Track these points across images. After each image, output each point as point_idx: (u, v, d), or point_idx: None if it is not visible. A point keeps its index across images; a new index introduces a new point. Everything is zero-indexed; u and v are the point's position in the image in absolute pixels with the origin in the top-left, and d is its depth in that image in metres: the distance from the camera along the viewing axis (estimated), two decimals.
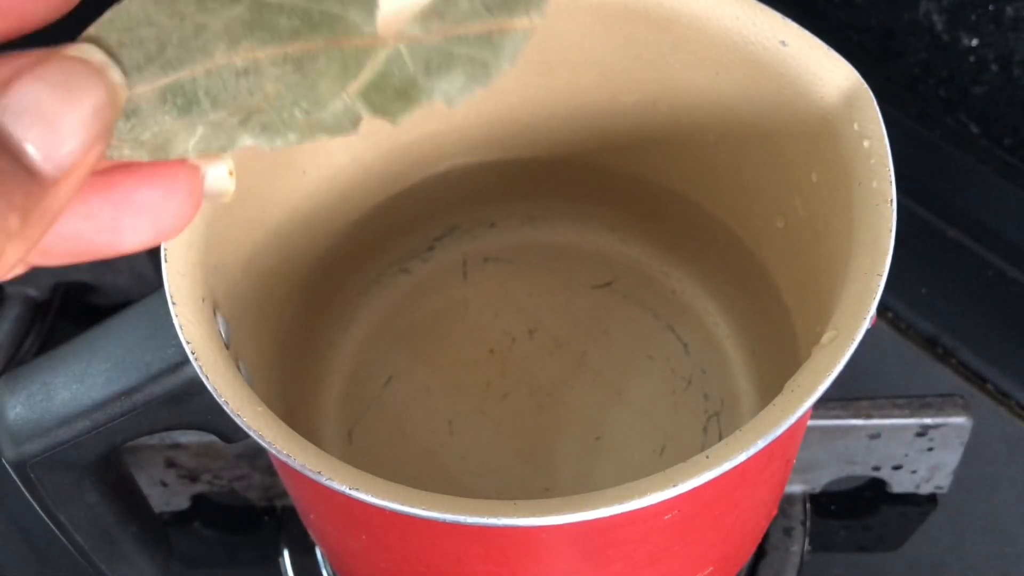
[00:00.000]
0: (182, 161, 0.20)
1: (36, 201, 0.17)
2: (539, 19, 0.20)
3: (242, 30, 0.19)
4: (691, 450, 0.30)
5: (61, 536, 0.37)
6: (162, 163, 0.20)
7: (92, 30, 0.19)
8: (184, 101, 0.19)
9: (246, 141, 0.20)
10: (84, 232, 0.19)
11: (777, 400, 0.28)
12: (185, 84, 0.19)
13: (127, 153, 0.20)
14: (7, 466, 0.34)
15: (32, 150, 0.17)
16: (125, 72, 0.19)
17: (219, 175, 0.21)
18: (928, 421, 0.43)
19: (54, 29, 0.19)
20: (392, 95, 0.20)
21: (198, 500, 0.48)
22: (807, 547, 0.46)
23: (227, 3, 0.19)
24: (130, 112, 0.19)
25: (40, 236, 0.17)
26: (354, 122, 0.20)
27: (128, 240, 0.19)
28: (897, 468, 0.46)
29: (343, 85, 0.20)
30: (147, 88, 0.19)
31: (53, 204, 0.17)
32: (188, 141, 0.20)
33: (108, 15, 0.19)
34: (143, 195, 0.19)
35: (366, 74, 0.20)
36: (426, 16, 0.20)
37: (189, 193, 0.20)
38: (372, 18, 0.19)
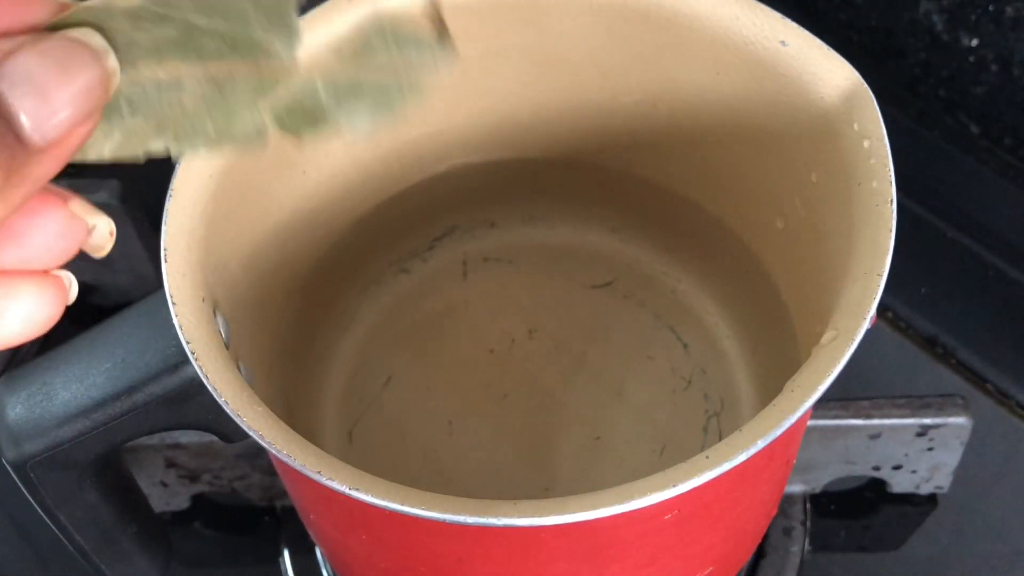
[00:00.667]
0: (63, 204, 0.21)
1: (20, 166, 0.18)
2: (444, 72, 0.22)
3: (170, 48, 0.21)
4: (691, 450, 0.30)
5: (61, 536, 0.37)
6: (43, 199, 0.21)
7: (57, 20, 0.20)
8: (105, 108, 0.20)
9: (158, 147, 0.21)
10: None
11: (777, 400, 0.28)
12: None
13: None
14: (7, 466, 0.34)
15: (24, 118, 0.18)
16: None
17: (101, 232, 0.22)
18: (928, 421, 0.43)
19: None
20: (302, 118, 0.22)
21: (198, 500, 0.48)
22: (807, 547, 0.46)
23: (158, 24, 0.20)
24: None
25: (17, 203, 0.18)
26: (263, 139, 0.22)
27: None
28: (897, 468, 0.46)
29: (256, 104, 0.22)
30: None
31: (35, 172, 0.18)
32: (104, 145, 0.21)
33: (66, 14, 0.20)
34: (17, 221, 0.20)
35: (279, 97, 0.22)
36: (341, 50, 0.22)
37: (61, 235, 0.21)
38: (292, 47, 0.21)
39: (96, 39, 0.19)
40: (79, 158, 0.21)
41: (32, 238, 0.20)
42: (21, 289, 0.21)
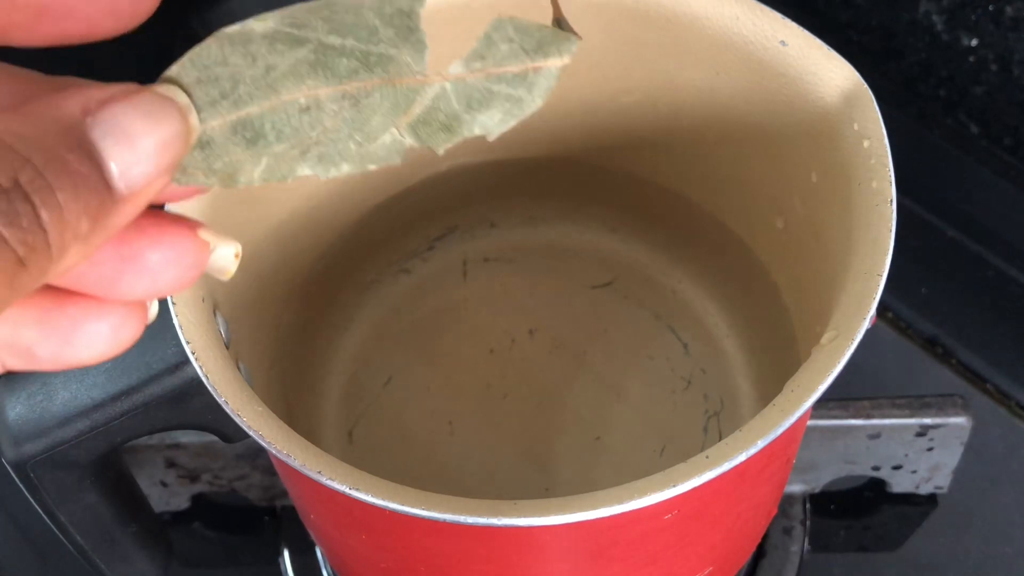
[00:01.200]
0: (193, 233, 0.21)
1: (105, 213, 0.19)
2: (569, 58, 0.22)
3: (306, 70, 0.21)
4: (691, 450, 0.30)
5: (61, 536, 0.37)
6: (175, 231, 0.21)
7: (174, 69, 0.21)
8: (252, 134, 0.21)
9: (304, 171, 0.22)
10: (86, 276, 0.20)
11: (777, 400, 0.28)
12: (254, 119, 0.21)
13: (200, 179, 0.21)
14: (7, 466, 0.34)
15: (113, 167, 0.19)
16: (199, 108, 0.21)
17: (226, 255, 0.23)
18: (928, 421, 0.43)
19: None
20: (437, 128, 0.23)
21: (198, 500, 0.48)
22: (807, 547, 0.46)
23: (294, 45, 0.21)
24: (204, 143, 0.21)
25: (95, 249, 0.19)
26: (401, 153, 0.23)
27: (122, 292, 0.20)
28: (897, 468, 0.46)
29: (394, 120, 0.22)
30: (220, 121, 0.21)
31: (115, 220, 0.19)
32: (254, 171, 0.22)
33: (189, 55, 0.21)
34: (151, 256, 0.21)
35: (415, 109, 0.22)
36: (470, 57, 0.22)
37: (192, 265, 0.21)
38: (423, 59, 0.22)
39: (181, 96, 0.20)
40: (229, 185, 0.21)
41: (164, 271, 0.21)
42: (111, 311, 0.21)
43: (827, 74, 0.33)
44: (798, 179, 0.36)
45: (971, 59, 0.54)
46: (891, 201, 0.31)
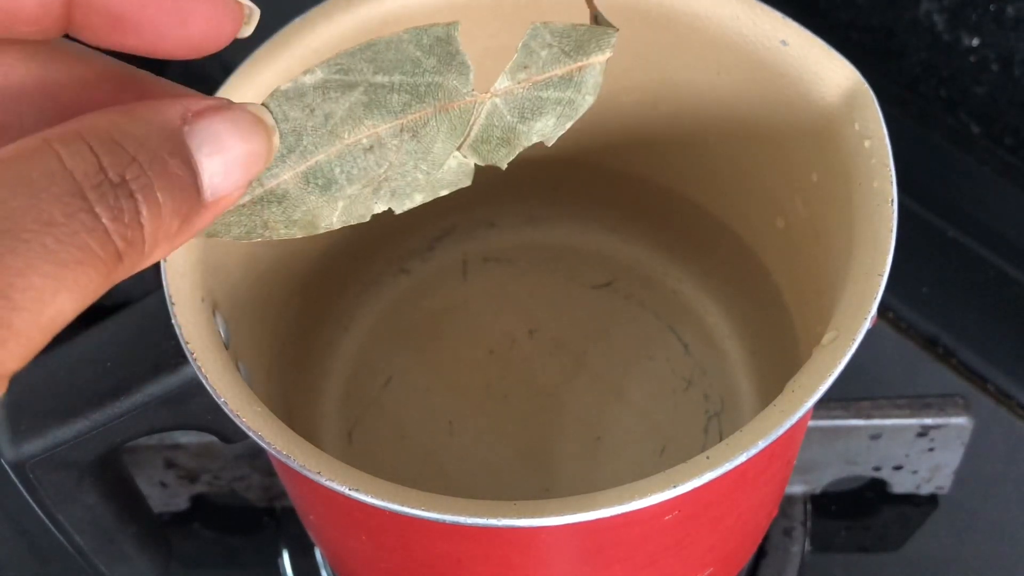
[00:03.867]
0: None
1: (193, 216, 0.20)
2: (610, 51, 0.23)
3: (362, 111, 0.22)
4: (691, 450, 0.30)
5: (61, 536, 0.37)
6: None
7: None
8: (324, 181, 0.22)
9: (380, 207, 0.23)
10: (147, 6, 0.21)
11: (777, 400, 0.28)
12: (322, 166, 0.22)
13: (282, 232, 0.22)
14: (7, 466, 0.34)
15: (205, 175, 0.20)
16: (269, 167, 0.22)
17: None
18: (929, 421, 0.43)
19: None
20: (496, 144, 0.24)
21: (198, 500, 0.48)
22: (807, 547, 0.46)
23: (346, 90, 0.22)
24: (280, 196, 0.22)
25: (173, 249, 0.20)
26: (469, 175, 0.24)
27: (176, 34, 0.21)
28: (898, 468, 0.46)
29: (454, 143, 0.23)
30: (292, 174, 0.22)
31: (197, 224, 0.20)
32: (332, 215, 0.23)
33: (266, 99, 0.22)
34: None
35: (472, 130, 0.23)
36: (514, 70, 0.23)
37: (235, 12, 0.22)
38: (468, 80, 0.23)
39: (269, 117, 0.21)
40: (311, 232, 0.23)
41: None
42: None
43: (828, 74, 0.33)
44: (799, 179, 0.36)
45: (972, 59, 0.54)
46: (892, 201, 0.30)
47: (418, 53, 0.22)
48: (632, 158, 0.42)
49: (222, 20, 0.21)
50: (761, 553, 0.45)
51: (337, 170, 0.22)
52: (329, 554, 0.41)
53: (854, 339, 0.28)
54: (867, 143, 0.32)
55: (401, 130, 0.22)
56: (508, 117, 0.23)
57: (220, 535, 0.48)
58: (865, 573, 0.46)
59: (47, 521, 0.36)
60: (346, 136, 0.22)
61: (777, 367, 0.39)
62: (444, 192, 0.23)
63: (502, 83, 0.23)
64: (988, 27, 0.53)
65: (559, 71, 0.23)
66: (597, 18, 0.24)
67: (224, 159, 0.20)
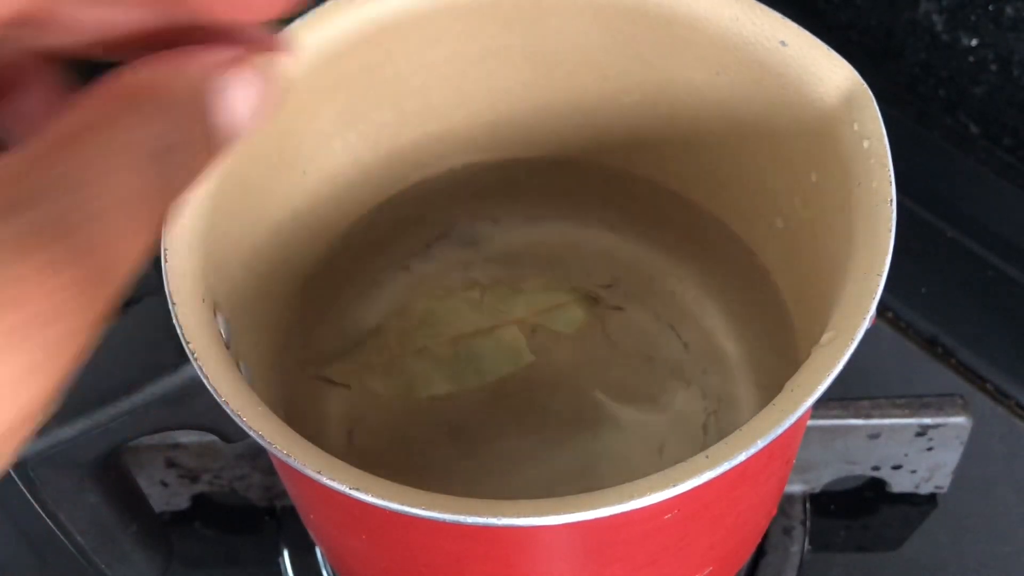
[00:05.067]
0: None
1: (210, 152, 0.21)
2: None
3: None
4: (691, 450, 0.30)
5: (61, 536, 0.37)
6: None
7: None
8: None
9: None
10: None
11: (777, 400, 0.28)
12: None
13: None
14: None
15: (228, 114, 0.21)
16: None
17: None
18: (928, 421, 0.43)
19: None
20: None
21: (198, 500, 0.48)
22: (807, 547, 0.46)
23: None
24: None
25: (186, 185, 0.21)
26: None
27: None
28: (897, 468, 0.46)
29: None
30: None
31: (208, 163, 0.21)
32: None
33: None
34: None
35: None
36: None
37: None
38: None
39: (279, 77, 0.22)
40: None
41: None
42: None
43: (827, 74, 0.33)
44: (798, 179, 0.36)
45: (971, 59, 0.54)
46: (891, 201, 0.31)
47: None
48: (632, 158, 0.43)
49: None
50: (760, 552, 0.45)
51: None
52: (330, 553, 0.42)
53: (853, 339, 0.28)
54: (866, 143, 0.32)
55: None
56: None
57: (221, 534, 0.48)
58: (864, 572, 0.46)
59: (48, 521, 0.36)
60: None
61: (776, 367, 0.39)
62: None
63: None
64: (987, 27, 0.53)
65: None
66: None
67: (247, 103, 0.21)
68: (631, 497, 0.26)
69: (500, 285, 0.42)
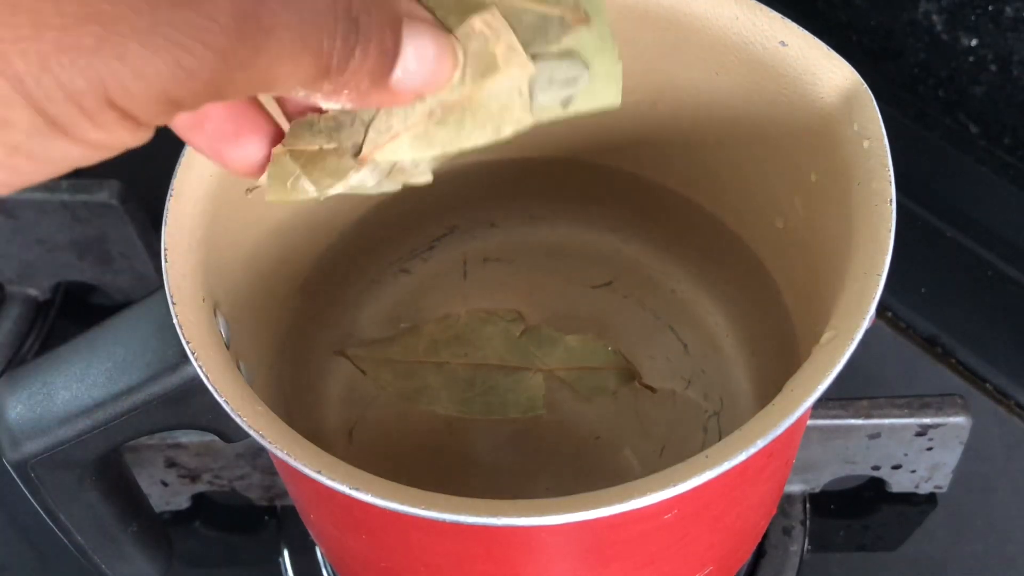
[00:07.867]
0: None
1: (375, 87, 0.24)
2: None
3: None
4: (691, 450, 0.30)
5: (61, 536, 0.37)
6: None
7: None
8: None
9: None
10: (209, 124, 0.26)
11: (777, 400, 0.28)
12: None
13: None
14: (7, 466, 0.34)
15: (401, 64, 0.24)
16: None
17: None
18: (927, 421, 0.43)
19: None
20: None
21: (198, 500, 0.48)
22: (807, 547, 0.46)
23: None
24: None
25: (345, 103, 0.24)
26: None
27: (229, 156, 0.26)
28: (896, 468, 0.46)
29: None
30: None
31: (371, 98, 0.24)
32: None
33: None
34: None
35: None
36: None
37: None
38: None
39: (461, 54, 0.25)
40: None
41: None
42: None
43: (827, 74, 0.33)
44: (798, 179, 0.36)
45: (970, 59, 0.54)
46: (891, 201, 0.31)
47: None
48: (632, 158, 0.43)
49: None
50: (760, 552, 0.45)
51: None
52: (330, 553, 0.42)
53: (853, 339, 0.28)
54: (866, 143, 0.32)
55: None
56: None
57: (221, 534, 0.48)
58: (864, 572, 0.46)
59: (48, 520, 0.36)
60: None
61: (776, 367, 0.39)
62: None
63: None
64: (986, 28, 0.53)
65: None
66: None
67: (418, 63, 0.24)
68: (631, 497, 0.26)
69: (545, 328, 0.42)
